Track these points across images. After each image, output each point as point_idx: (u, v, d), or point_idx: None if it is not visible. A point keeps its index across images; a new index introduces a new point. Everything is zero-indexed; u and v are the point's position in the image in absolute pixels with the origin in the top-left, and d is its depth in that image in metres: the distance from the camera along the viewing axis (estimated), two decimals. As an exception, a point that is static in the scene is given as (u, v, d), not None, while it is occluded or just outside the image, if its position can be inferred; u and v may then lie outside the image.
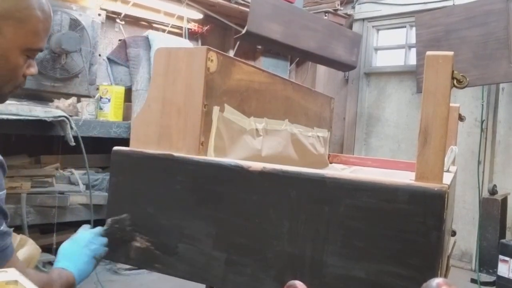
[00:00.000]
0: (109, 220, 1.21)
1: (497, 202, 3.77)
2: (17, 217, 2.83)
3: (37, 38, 0.98)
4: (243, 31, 3.70)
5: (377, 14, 4.95)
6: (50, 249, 3.05)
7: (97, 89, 3.37)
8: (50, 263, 3.04)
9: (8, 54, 0.95)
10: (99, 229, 1.20)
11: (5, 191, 0.96)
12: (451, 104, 1.02)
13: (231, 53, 4.53)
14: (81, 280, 1.13)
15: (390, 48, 5.14)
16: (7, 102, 2.65)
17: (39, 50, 1.02)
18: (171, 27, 4.19)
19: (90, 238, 1.17)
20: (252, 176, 1.04)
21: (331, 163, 2.34)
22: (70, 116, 2.79)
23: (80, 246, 1.15)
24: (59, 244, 1.17)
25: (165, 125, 1.20)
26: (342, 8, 5.10)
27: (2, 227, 0.94)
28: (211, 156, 1.19)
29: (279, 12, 3.89)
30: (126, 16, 3.89)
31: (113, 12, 3.79)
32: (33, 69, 1.02)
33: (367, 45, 5.11)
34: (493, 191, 3.90)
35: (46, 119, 2.57)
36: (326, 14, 4.90)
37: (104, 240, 1.18)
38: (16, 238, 2.94)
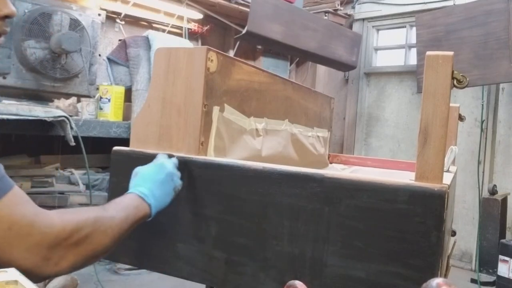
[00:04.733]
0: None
1: (497, 202, 3.77)
2: (17, 217, 2.82)
3: None
4: (243, 31, 3.71)
5: (377, 14, 4.95)
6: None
7: (97, 89, 3.37)
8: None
9: None
10: (176, 160, 1.10)
11: None
12: (451, 104, 1.02)
13: (231, 53, 4.53)
14: (156, 212, 1.01)
15: (390, 48, 5.14)
16: (7, 102, 2.66)
17: None
18: (171, 27, 4.19)
19: (173, 168, 1.06)
20: (252, 176, 1.04)
21: (331, 163, 2.34)
22: (70, 116, 2.79)
23: (164, 173, 1.04)
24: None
25: (165, 125, 1.20)
26: (342, 8, 5.10)
27: None
28: (211, 156, 1.18)
29: (280, 12, 3.89)
30: (126, 16, 3.89)
31: (113, 12, 3.79)
32: (6, 9, 0.85)
33: (367, 45, 5.12)
34: (493, 191, 3.90)
35: (46, 119, 2.57)
36: (326, 14, 4.90)
37: (179, 174, 1.09)
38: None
